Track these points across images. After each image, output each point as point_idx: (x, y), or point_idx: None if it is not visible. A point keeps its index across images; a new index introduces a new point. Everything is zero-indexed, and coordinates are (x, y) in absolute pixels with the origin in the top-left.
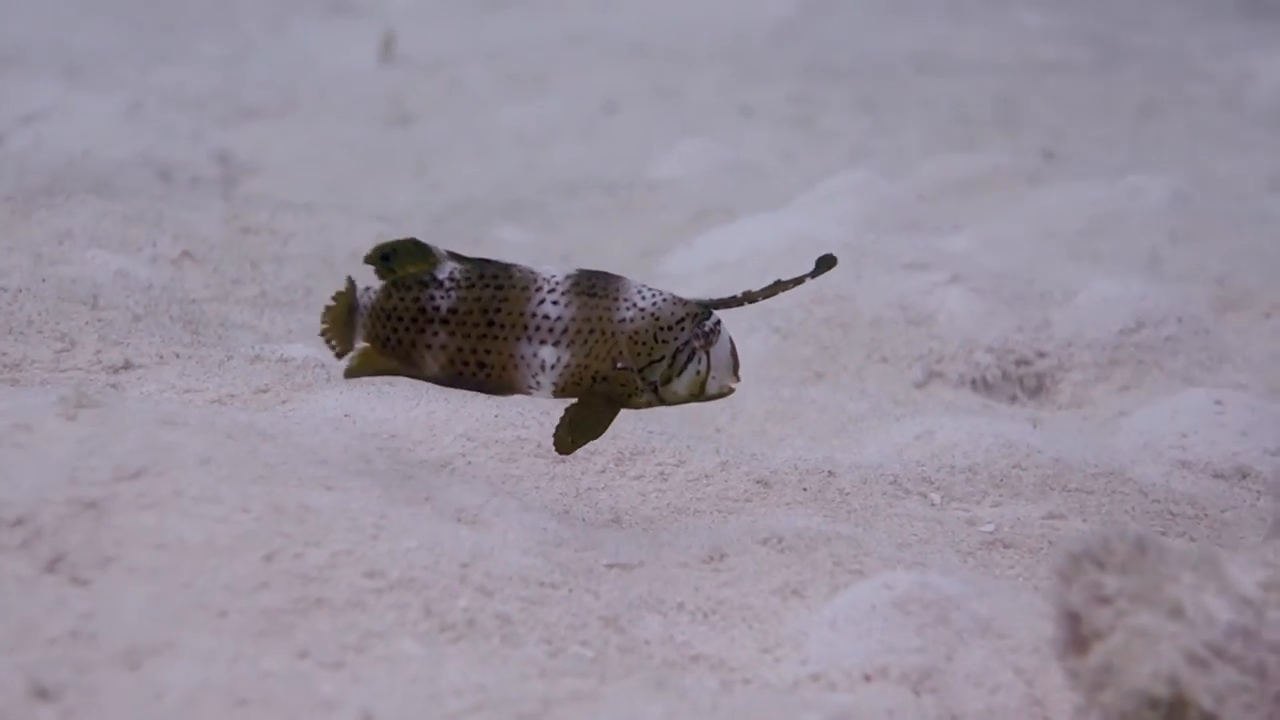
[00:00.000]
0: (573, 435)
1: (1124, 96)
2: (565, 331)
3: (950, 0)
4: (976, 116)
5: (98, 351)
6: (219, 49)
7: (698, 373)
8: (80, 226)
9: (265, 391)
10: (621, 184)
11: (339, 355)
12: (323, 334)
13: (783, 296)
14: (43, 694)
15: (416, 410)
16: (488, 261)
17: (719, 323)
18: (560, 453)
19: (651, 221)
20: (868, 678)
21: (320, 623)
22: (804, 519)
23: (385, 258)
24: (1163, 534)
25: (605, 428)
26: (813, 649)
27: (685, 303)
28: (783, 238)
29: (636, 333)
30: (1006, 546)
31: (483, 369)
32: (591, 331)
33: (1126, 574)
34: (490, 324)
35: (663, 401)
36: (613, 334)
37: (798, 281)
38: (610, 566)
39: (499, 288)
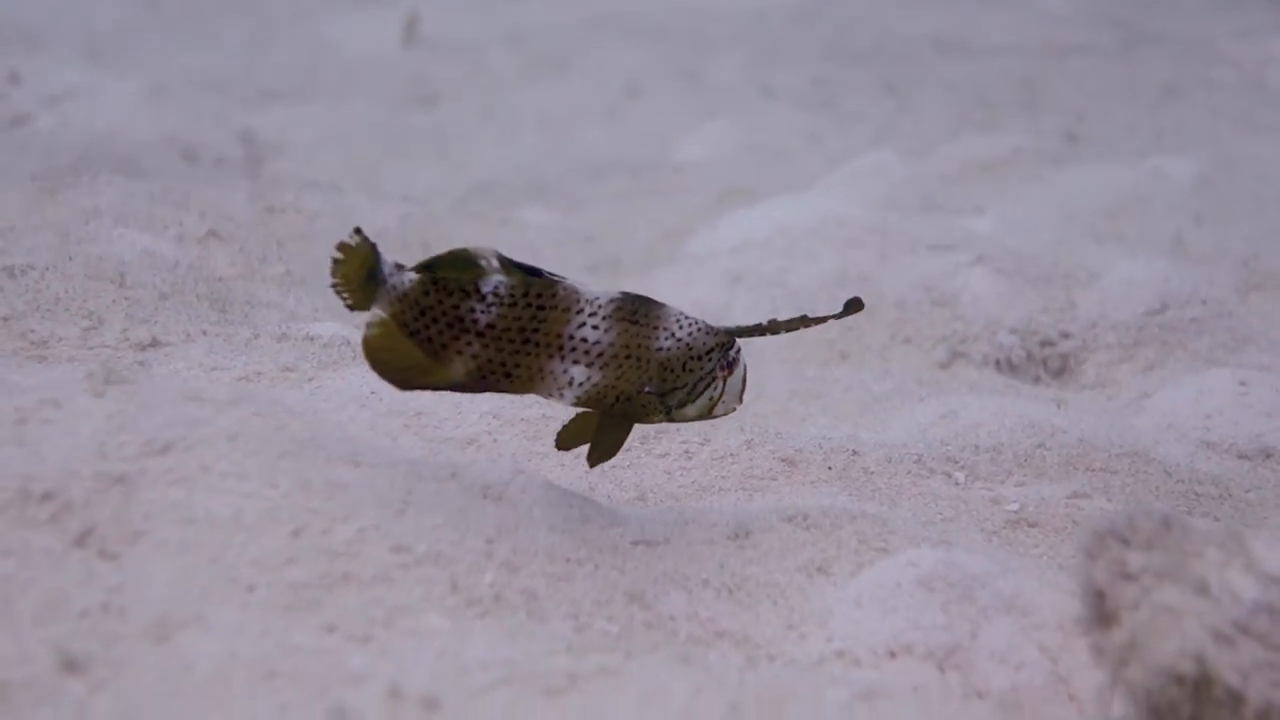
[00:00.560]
0: (596, 458)
1: (1146, 80)
2: (601, 355)
3: None
4: (999, 99)
5: (125, 329)
6: (242, 31)
7: (711, 398)
8: (107, 205)
9: (292, 369)
10: (645, 166)
11: (352, 309)
12: (334, 287)
13: (806, 278)
14: (72, 666)
15: None
16: (535, 275)
17: (739, 350)
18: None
19: (675, 203)
20: (893, 654)
21: (348, 597)
22: (829, 497)
23: (429, 267)
24: (1187, 514)
25: (622, 444)
26: (838, 626)
27: (716, 332)
28: (807, 219)
29: (669, 361)
30: (1031, 525)
31: (509, 378)
32: (628, 357)
33: (1152, 551)
34: (526, 341)
35: (671, 420)
36: (648, 361)
37: (822, 320)
38: (636, 543)
39: (540, 307)
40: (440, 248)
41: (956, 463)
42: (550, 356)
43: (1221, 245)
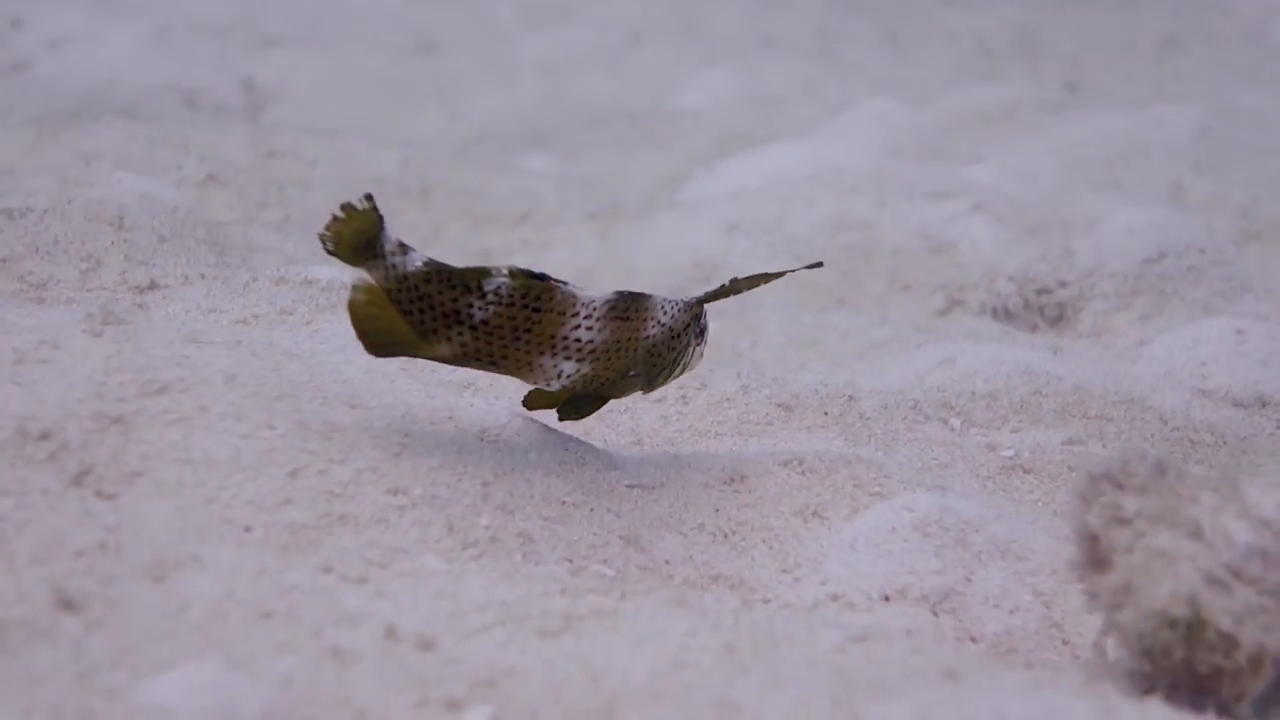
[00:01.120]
0: (566, 417)
1: (1147, 30)
2: (592, 352)
3: None
4: (998, 48)
5: (123, 272)
6: None
7: (685, 365)
8: (107, 149)
9: (290, 313)
10: (644, 113)
11: (330, 255)
12: (322, 236)
13: (803, 224)
14: (68, 605)
15: None
16: (536, 280)
17: (707, 314)
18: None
19: (675, 150)
20: (887, 598)
21: (344, 538)
22: (825, 442)
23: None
24: (1182, 461)
25: (595, 412)
26: (832, 569)
27: (690, 305)
28: (805, 166)
29: (655, 347)
30: (1026, 471)
31: (495, 365)
32: (619, 350)
33: (1146, 495)
34: (518, 339)
35: (649, 391)
36: (636, 349)
37: (780, 275)
38: (631, 487)
39: (536, 310)
40: (440, 194)
41: (953, 409)
42: (541, 353)
43: (1220, 194)
